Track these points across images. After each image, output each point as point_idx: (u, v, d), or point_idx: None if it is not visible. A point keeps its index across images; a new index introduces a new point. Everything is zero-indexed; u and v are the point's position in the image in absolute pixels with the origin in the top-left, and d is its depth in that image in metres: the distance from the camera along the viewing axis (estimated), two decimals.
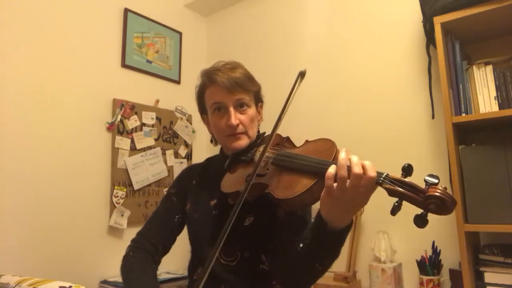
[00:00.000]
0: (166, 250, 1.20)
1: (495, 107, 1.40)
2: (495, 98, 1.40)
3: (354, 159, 0.72)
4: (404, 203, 0.70)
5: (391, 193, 0.70)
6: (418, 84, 1.81)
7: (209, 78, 1.09)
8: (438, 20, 1.50)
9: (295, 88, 0.90)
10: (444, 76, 1.46)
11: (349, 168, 0.72)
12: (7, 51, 1.69)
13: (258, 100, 1.16)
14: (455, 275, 1.51)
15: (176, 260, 1.24)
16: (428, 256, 1.60)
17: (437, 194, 0.66)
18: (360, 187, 0.71)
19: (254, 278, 1.05)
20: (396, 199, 0.70)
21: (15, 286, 1.19)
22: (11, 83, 1.69)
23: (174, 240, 1.22)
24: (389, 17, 1.94)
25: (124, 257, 1.17)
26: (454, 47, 1.49)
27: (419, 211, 0.68)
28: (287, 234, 0.98)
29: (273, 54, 2.37)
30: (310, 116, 2.14)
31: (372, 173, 0.70)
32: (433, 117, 1.72)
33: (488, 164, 1.38)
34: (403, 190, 0.69)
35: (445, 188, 0.67)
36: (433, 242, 1.61)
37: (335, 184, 0.72)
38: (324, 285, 1.70)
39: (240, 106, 1.08)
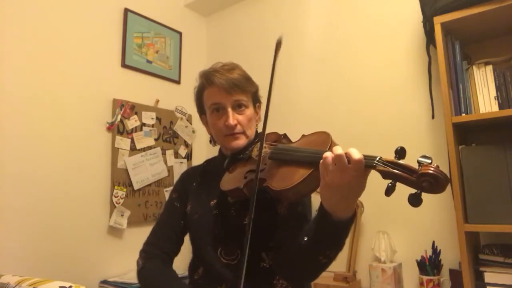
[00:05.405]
0: (176, 255, 1.24)
1: (495, 107, 1.40)
2: (495, 98, 1.40)
3: (338, 148, 0.75)
4: (400, 186, 0.69)
5: (385, 175, 0.70)
6: (418, 84, 1.81)
7: (207, 79, 1.11)
8: (438, 20, 1.50)
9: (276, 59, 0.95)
10: (444, 76, 1.46)
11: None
12: (7, 51, 1.69)
13: (256, 100, 1.18)
14: (455, 275, 1.51)
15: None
16: (428, 256, 1.60)
17: (430, 171, 0.65)
18: (350, 170, 0.72)
19: (254, 277, 1.03)
20: (390, 180, 0.70)
21: (15, 286, 1.19)
22: (11, 83, 1.69)
23: (182, 244, 1.25)
24: (389, 17, 1.94)
25: (140, 270, 1.17)
26: (454, 47, 1.49)
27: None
28: (289, 231, 0.99)
29: (273, 54, 2.36)
30: (309, 116, 2.15)
31: (356, 155, 0.72)
32: (433, 117, 1.72)
33: (488, 164, 1.38)
34: (396, 171, 0.69)
35: (438, 166, 0.66)
36: (433, 242, 1.61)
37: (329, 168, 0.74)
38: (324, 285, 1.70)
39: (238, 107, 1.10)
